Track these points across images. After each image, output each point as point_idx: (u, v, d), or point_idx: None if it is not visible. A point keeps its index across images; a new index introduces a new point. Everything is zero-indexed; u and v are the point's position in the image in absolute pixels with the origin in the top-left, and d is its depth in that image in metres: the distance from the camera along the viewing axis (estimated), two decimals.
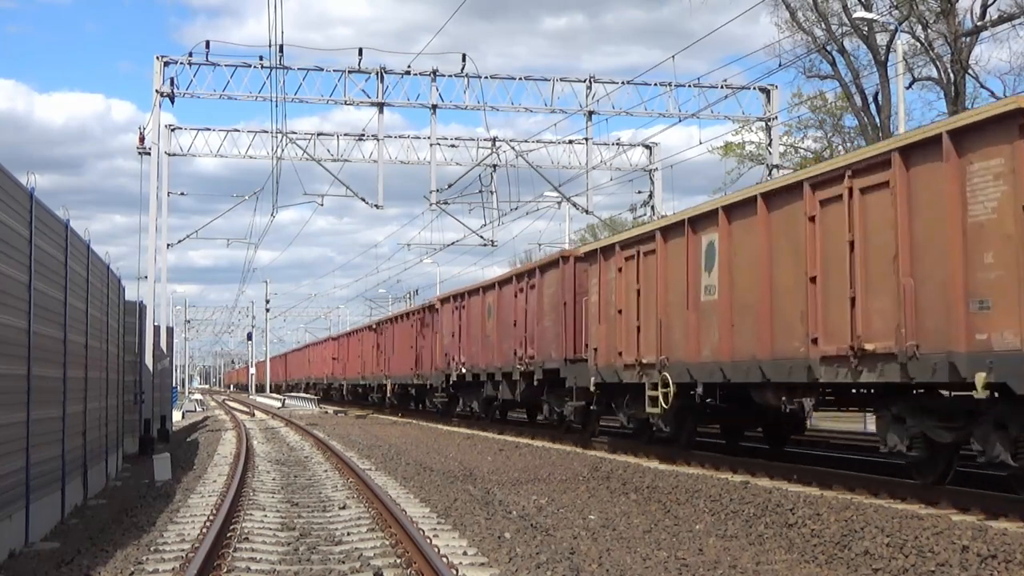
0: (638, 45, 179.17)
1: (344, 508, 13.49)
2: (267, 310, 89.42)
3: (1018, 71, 49.10)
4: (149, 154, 31.71)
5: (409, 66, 32.67)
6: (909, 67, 36.47)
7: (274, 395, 79.38)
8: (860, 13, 36.01)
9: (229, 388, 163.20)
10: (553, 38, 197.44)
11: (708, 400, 18.19)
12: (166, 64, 31.44)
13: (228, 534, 11.05)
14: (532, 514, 12.64)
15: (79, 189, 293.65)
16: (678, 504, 13.38)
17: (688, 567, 9.27)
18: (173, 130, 35.17)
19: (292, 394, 71.91)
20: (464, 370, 32.05)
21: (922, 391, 13.17)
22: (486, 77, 33.00)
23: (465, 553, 9.93)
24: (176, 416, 42.68)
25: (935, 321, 11.92)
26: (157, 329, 30.13)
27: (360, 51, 32.05)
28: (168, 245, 34.53)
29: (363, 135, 35.44)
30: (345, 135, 36.25)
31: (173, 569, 9.36)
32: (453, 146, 37.08)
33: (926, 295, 12.10)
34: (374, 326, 51.27)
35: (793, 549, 10.22)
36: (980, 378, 11.15)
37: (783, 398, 15.52)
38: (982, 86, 37.88)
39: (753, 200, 15.76)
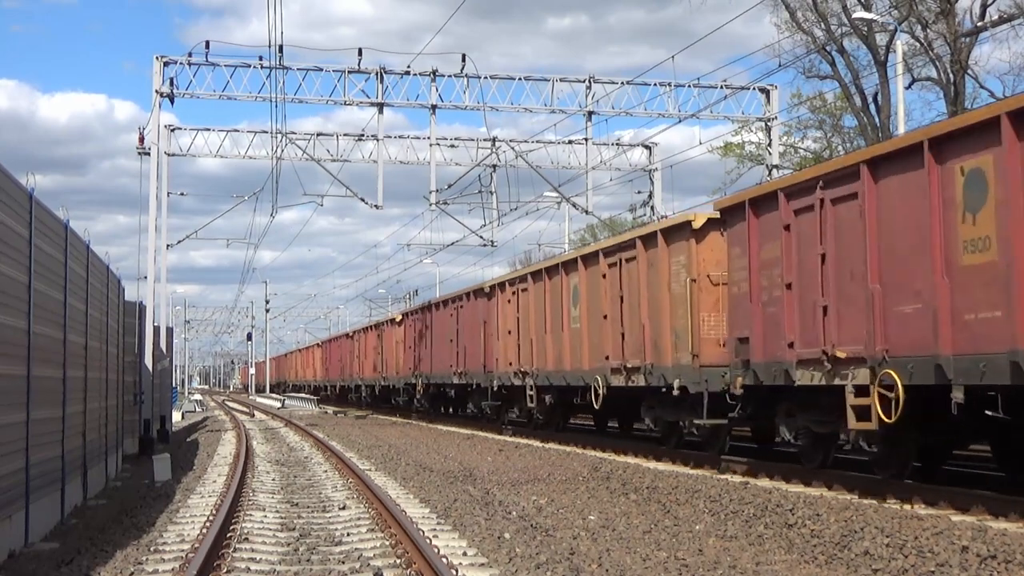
0: (642, 45, 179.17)
1: (344, 508, 13.49)
2: (267, 310, 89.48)
3: (1018, 71, 48.86)
4: (149, 154, 31.71)
5: (409, 66, 32.66)
6: (909, 67, 36.46)
7: (274, 395, 79.35)
8: (860, 13, 35.99)
9: (229, 388, 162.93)
10: (557, 38, 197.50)
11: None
12: (166, 64, 31.40)
13: (228, 534, 11.04)
14: (532, 514, 12.63)
15: (82, 189, 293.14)
16: (678, 504, 13.37)
17: (688, 567, 9.27)
18: (173, 130, 35.17)
19: (292, 394, 71.69)
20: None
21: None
22: (486, 77, 32.98)
23: (465, 553, 9.93)
24: (176, 416, 42.68)
25: None
26: (157, 329, 30.11)
27: (360, 51, 32.07)
28: (168, 245, 34.52)
29: (363, 135, 35.43)
30: (345, 135, 36.27)
31: (173, 569, 9.35)
32: (453, 146, 37.05)
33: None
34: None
35: (793, 549, 10.22)
36: None
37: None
38: (982, 86, 37.95)
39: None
